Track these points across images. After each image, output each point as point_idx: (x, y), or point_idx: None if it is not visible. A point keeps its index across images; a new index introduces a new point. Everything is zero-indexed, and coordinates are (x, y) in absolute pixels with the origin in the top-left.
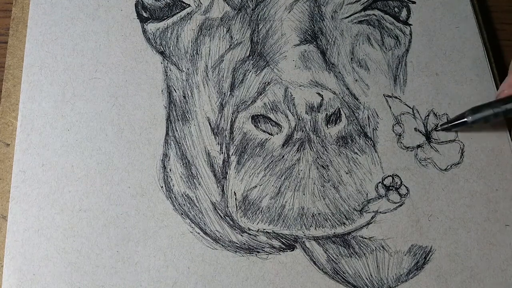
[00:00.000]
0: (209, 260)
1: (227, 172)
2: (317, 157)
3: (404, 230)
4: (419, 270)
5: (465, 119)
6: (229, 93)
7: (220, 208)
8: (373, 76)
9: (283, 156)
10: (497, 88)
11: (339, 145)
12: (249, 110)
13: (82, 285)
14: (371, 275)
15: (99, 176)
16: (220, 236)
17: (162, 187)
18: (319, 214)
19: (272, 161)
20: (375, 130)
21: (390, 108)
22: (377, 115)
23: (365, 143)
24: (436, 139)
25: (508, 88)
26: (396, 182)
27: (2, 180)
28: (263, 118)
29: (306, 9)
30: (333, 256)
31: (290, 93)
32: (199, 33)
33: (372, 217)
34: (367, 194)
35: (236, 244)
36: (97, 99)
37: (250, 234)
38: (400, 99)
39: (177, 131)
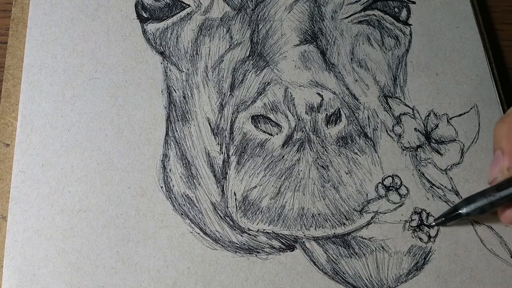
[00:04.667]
0: (209, 261)
1: (227, 172)
2: (317, 158)
3: (404, 230)
4: (418, 271)
5: (459, 212)
6: (229, 93)
7: (220, 208)
8: (373, 76)
9: (283, 157)
10: (497, 89)
11: (339, 145)
12: (249, 110)
13: (82, 285)
14: (371, 275)
15: (99, 176)
16: (220, 236)
17: (162, 187)
18: (319, 214)
19: (272, 161)
20: (375, 130)
21: (390, 108)
22: (377, 115)
23: (365, 143)
24: (436, 139)
25: (501, 173)
26: (396, 183)
27: (2, 180)
28: (263, 118)
29: (306, 9)
30: (333, 257)
31: (290, 93)
32: (199, 34)
33: (372, 218)
34: (367, 194)
35: (236, 245)
36: (97, 99)
37: (250, 235)
38: (400, 99)
39: (177, 131)
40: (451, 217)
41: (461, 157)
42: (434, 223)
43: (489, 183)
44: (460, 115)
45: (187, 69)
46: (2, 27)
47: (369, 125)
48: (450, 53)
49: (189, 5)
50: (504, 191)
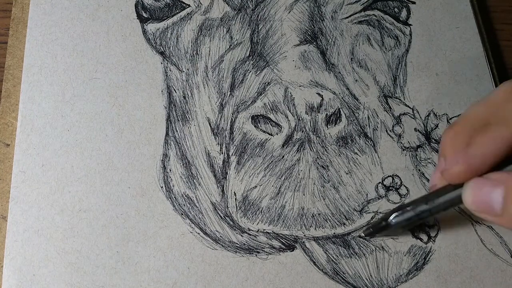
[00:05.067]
0: (209, 261)
1: (227, 173)
2: (317, 158)
3: (404, 230)
4: (418, 271)
5: (388, 222)
6: (229, 93)
7: (220, 208)
8: (373, 76)
9: (283, 157)
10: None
11: (339, 145)
12: (249, 110)
13: (82, 285)
14: (371, 275)
15: (99, 176)
16: (220, 236)
17: (162, 187)
18: (319, 214)
19: (272, 161)
20: (375, 130)
21: (390, 108)
22: (377, 115)
23: (365, 143)
24: (436, 139)
25: (440, 181)
26: (396, 183)
27: (2, 180)
28: (263, 118)
29: (306, 9)
30: (333, 257)
31: (290, 93)
32: (199, 34)
33: (372, 218)
34: (367, 194)
35: (236, 245)
36: (97, 99)
37: (250, 235)
38: (400, 99)
39: (177, 131)
40: (380, 228)
41: None
42: (363, 234)
43: (429, 188)
44: (460, 115)
45: (187, 69)
46: (2, 27)
47: (369, 125)
48: (450, 53)
49: (189, 5)
50: (430, 202)
